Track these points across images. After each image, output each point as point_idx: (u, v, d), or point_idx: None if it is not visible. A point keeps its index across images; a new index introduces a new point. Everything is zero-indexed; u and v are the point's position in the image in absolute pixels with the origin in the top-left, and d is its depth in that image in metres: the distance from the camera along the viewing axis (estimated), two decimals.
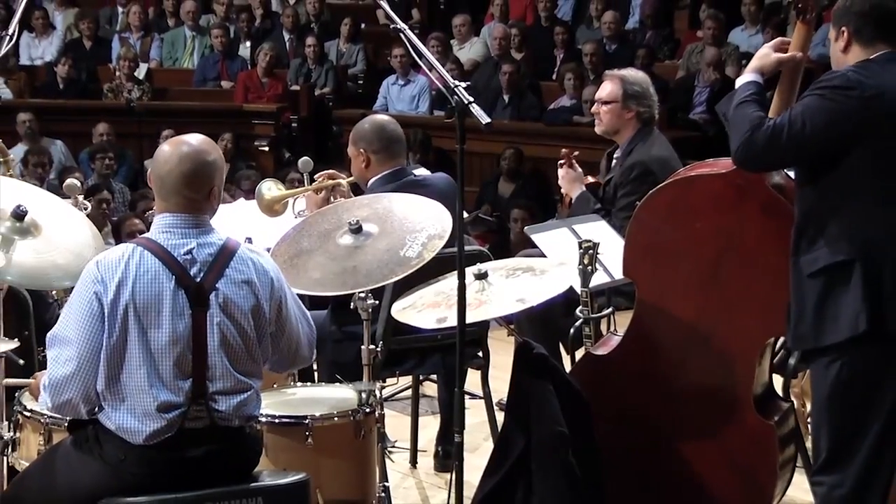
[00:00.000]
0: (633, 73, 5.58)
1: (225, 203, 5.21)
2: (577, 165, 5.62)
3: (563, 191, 5.69)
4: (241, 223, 5.21)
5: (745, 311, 4.09)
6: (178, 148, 3.45)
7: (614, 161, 5.59)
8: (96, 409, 3.38)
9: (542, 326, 5.19)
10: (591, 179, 5.73)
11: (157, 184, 3.45)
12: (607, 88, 5.50)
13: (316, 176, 5.08)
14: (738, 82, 3.86)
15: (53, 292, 4.54)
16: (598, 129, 5.59)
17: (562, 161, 5.62)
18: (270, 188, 5.01)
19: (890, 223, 3.58)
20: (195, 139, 3.50)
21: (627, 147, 5.45)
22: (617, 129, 5.49)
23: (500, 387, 5.42)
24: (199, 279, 3.38)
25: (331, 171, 5.14)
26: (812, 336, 3.65)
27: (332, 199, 4.93)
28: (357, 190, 5.01)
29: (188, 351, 3.35)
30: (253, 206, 5.22)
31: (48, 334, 3.41)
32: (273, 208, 4.99)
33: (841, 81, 3.59)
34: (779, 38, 3.98)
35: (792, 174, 3.93)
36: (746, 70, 3.89)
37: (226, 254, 3.43)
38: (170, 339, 3.33)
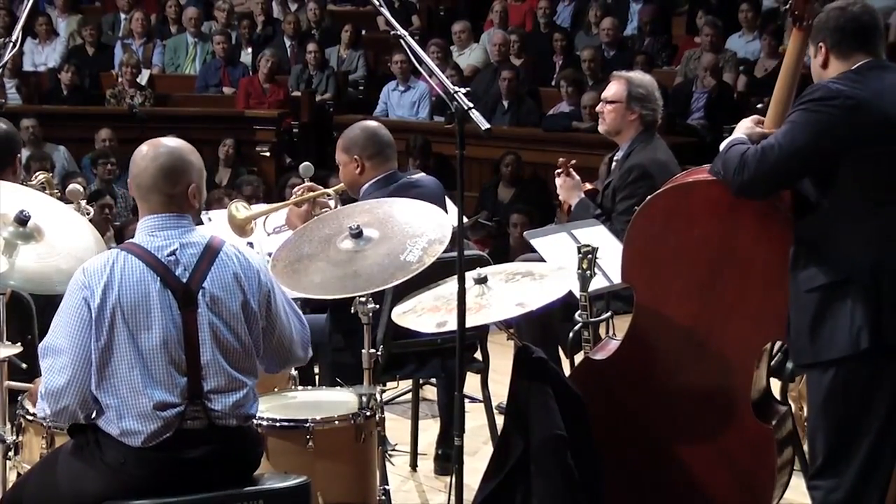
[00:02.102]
0: (640, 76, 5.60)
1: (226, 208, 5.25)
2: (574, 173, 5.64)
3: (561, 199, 5.72)
4: None
5: (743, 316, 4.11)
6: (154, 147, 3.50)
7: (614, 164, 5.62)
8: (94, 413, 3.40)
9: (541, 330, 5.21)
10: (589, 186, 5.76)
11: (136, 183, 3.49)
12: (613, 88, 5.51)
13: (294, 190, 5.11)
14: (723, 145, 3.90)
15: None
16: (600, 128, 5.62)
17: (559, 170, 5.65)
18: (239, 209, 5.02)
19: (885, 239, 3.61)
20: (173, 140, 3.56)
21: (627, 150, 5.47)
22: (619, 130, 5.50)
23: (500, 390, 5.44)
24: (184, 279, 3.40)
25: (310, 183, 5.17)
26: (810, 351, 3.68)
27: (313, 211, 4.95)
28: (348, 198, 5.03)
29: (180, 350, 3.37)
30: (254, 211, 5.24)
31: (40, 345, 3.43)
32: (245, 228, 5.00)
33: (823, 93, 3.62)
34: (755, 117, 4.01)
35: None
36: (733, 134, 3.93)
37: (210, 252, 3.46)
38: (161, 340, 3.35)
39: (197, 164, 3.52)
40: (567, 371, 4.70)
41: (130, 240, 3.51)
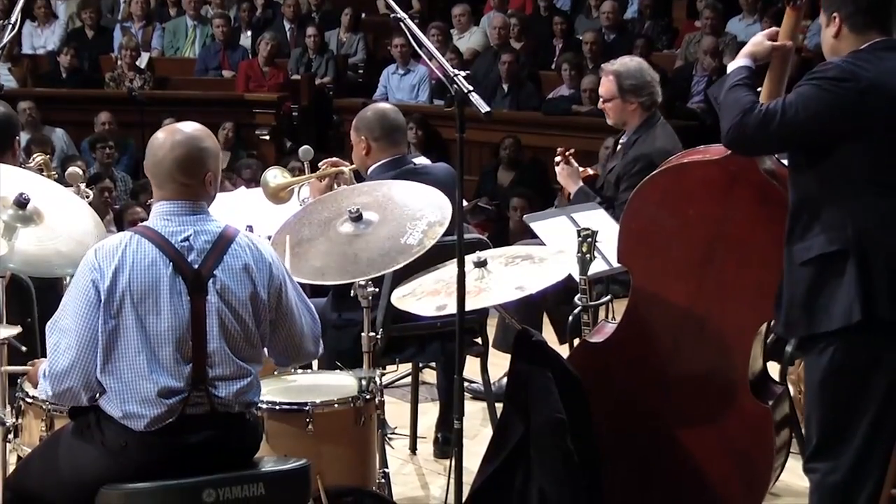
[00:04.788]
0: (627, 67, 5.57)
1: (225, 192, 5.26)
2: (573, 161, 5.67)
3: (561, 185, 5.75)
4: (241, 211, 5.24)
5: (739, 296, 4.11)
6: (171, 135, 3.46)
7: (619, 147, 5.65)
8: (97, 395, 3.40)
9: (527, 312, 5.23)
10: (590, 172, 5.78)
11: (152, 171, 3.47)
12: (604, 87, 5.58)
13: (320, 164, 5.11)
14: (730, 67, 3.88)
15: (66, 280, 4.56)
16: (608, 122, 5.68)
17: (558, 158, 5.67)
18: (276, 176, 5.03)
19: (883, 213, 3.59)
20: (189, 126, 3.51)
21: (633, 136, 5.51)
22: (625, 121, 5.57)
23: (500, 374, 5.46)
24: (196, 266, 3.39)
25: (334, 158, 5.17)
26: (804, 323, 3.67)
27: (335, 186, 4.96)
28: (359, 177, 5.04)
29: (188, 337, 3.36)
30: (253, 194, 5.24)
31: (48, 322, 3.42)
32: (279, 195, 5.01)
33: (837, 73, 3.59)
34: (773, 28, 4.01)
35: (785, 161, 3.96)
36: (739, 55, 3.91)
37: (224, 241, 3.44)
38: (169, 325, 3.35)
39: (213, 150, 3.49)
40: (564, 355, 4.70)
41: (145, 223, 3.49)
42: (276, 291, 3.51)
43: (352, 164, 5.06)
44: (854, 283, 3.56)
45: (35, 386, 3.70)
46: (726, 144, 3.78)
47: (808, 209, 3.67)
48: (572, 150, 5.73)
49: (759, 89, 3.89)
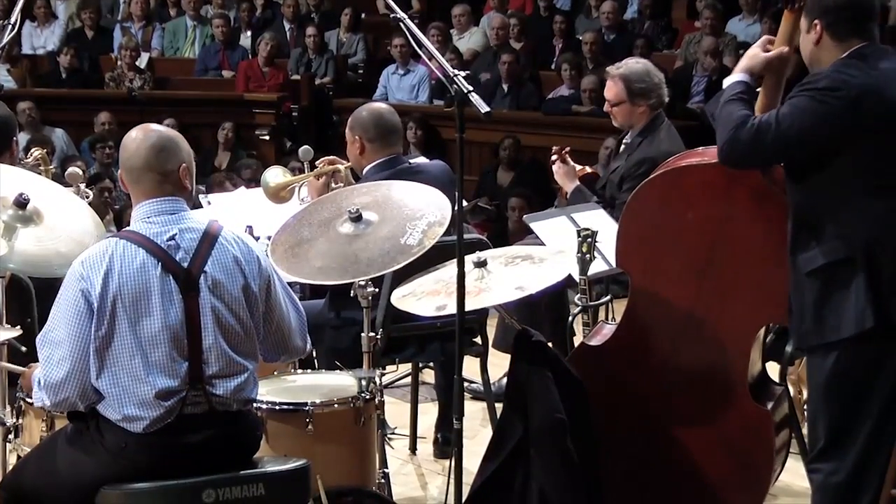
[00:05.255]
0: (634, 69, 5.59)
1: (225, 192, 5.25)
2: (569, 160, 5.67)
3: (558, 185, 5.77)
4: (241, 212, 5.24)
5: (739, 298, 4.10)
6: (144, 131, 3.53)
7: (623, 146, 5.66)
8: (94, 402, 3.40)
9: (530, 313, 5.23)
10: (588, 170, 5.78)
11: (128, 166, 3.49)
12: (612, 91, 5.58)
13: (317, 162, 5.12)
14: (726, 82, 3.88)
15: None
16: (615, 124, 5.70)
17: (554, 157, 5.68)
18: (276, 175, 5.04)
19: (884, 215, 3.60)
20: (160, 126, 3.64)
21: (637, 137, 5.52)
22: (632, 124, 5.60)
23: (499, 374, 5.45)
24: (185, 264, 3.40)
25: (331, 157, 5.17)
26: (815, 333, 3.67)
27: (331, 184, 4.96)
28: (355, 175, 5.04)
29: (183, 336, 3.37)
30: (253, 194, 5.24)
31: (39, 335, 3.43)
32: (279, 195, 5.01)
33: (828, 83, 3.60)
34: (765, 37, 3.99)
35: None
36: (735, 70, 3.91)
37: (210, 236, 3.46)
38: (162, 325, 3.35)
39: (185, 147, 3.54)
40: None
41: (127, 227, 3.50)
42: (266, 283, 3.53)
43: (348, 161, 5.06)
44: (863, 290, 3.57)
45: (28, 392, 3.70)
46: (722, 161, 3.79)
47: (809, 219, 3.68)
48: (568, 149, 5.73)
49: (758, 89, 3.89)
